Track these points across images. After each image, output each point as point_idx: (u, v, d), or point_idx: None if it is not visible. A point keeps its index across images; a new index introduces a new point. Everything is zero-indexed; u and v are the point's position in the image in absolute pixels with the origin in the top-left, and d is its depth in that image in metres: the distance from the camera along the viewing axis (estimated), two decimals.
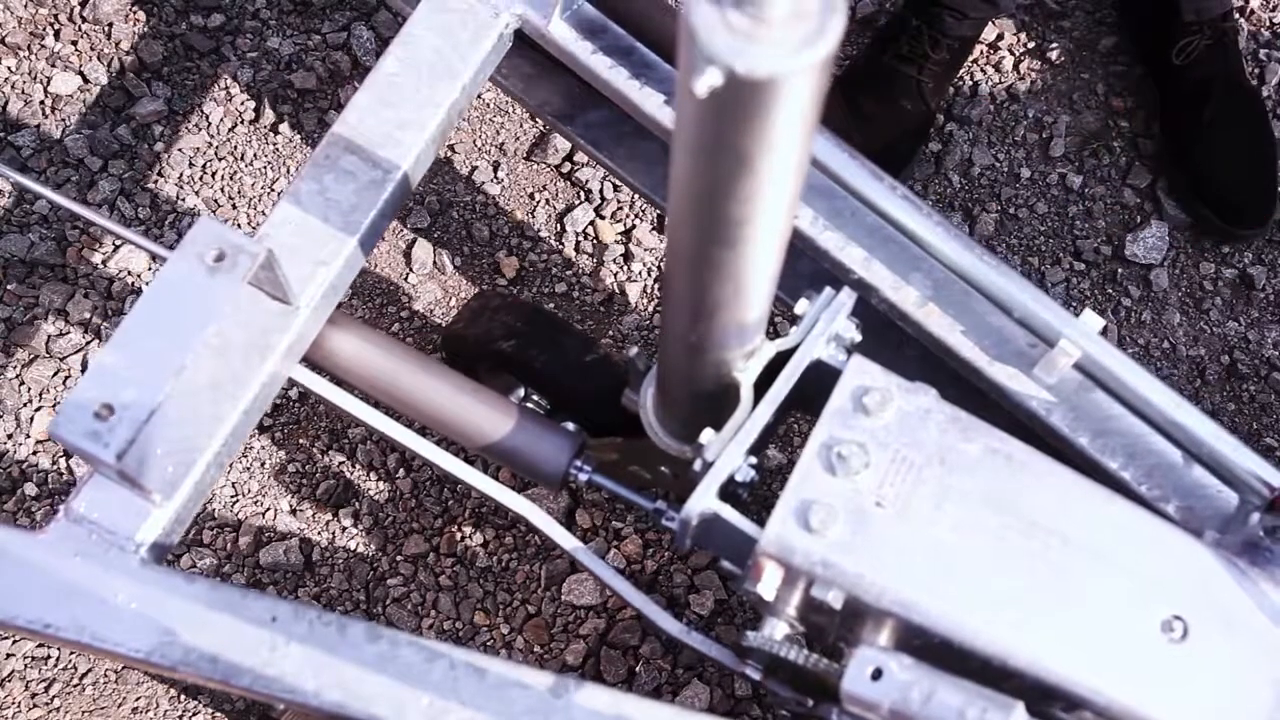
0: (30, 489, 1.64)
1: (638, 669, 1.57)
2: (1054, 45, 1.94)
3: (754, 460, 0.96)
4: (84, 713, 1.55)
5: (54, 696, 1.55)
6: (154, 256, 1.34)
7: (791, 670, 0.99)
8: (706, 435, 0.96)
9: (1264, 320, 1.79)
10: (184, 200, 1.79)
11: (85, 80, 1.84)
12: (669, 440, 1.12)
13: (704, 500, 0.93)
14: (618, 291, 1.77)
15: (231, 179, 1.80)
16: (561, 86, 1.33)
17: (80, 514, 1.01)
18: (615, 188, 1.82)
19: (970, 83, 1.91)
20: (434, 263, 1.78)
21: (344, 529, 1.64)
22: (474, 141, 1.85)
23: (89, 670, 1.57)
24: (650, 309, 1.76)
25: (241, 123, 1.84)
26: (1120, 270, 1.81)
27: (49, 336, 1.71)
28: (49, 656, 1.57)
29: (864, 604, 0.90)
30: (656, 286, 1.77)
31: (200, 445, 1.03)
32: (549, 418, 1.23)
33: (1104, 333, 1.08)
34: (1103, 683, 0.88)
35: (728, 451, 0.95)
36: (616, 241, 1.80)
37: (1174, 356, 1.77)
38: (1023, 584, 0.90)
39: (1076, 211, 1.84)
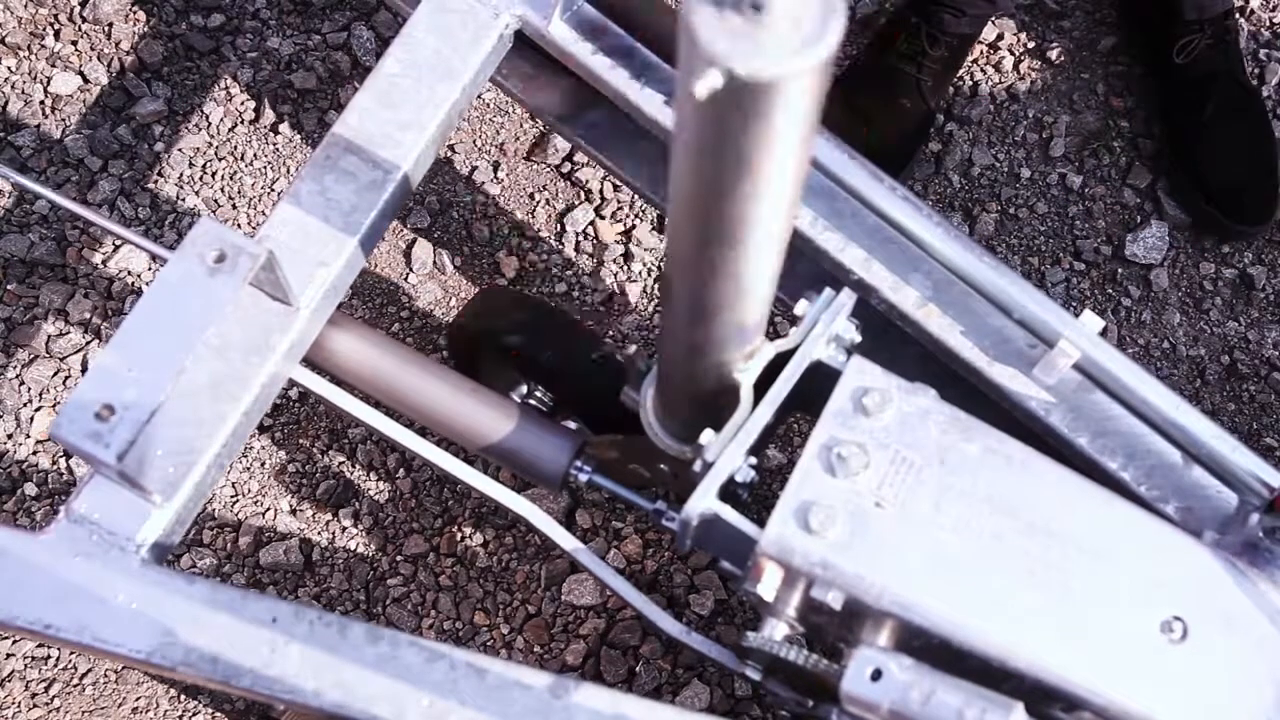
0: (30, 489, 1.64)
1: (638, 669, 1.57)
2: (1054, 45, 1.94)
3: (754, 461, 0.96)
4: (84, 713, 1.55)
5: (54, 696, 1.56)
6: (154, 257, 1.34)
7: (791, 671, 0.99)
8: (706, 436, 0.96)
9: (1264, 320, 1.80)
10: (184, 200, 1.79)
11: (85, 80, 1.84)
12: (669, 440, 1.12)
13: (704, 501, 0.93)
14: (618, 291, 1.77)
15: (231, 179, 1.80)
16: (561, 87, 1.32)
17: (81, 514, 1.01)
18: (615, 188, 1.82)
19: (970, 82, 1.91)
20: (434, 263, 1.78)
21: (344, 529, 1.64)
22: (474, 141, 1.85)
23: (89, 670, 1.57)
24: (650, 309, 1.76)
25: (241, 123, 1.84)
26: (1120, 270, 1.81)
27: (49, 336, 1.71)
28: (49, 656, 1.57)
29: (863, 604, 0.90)
30: (656, 286, 1.77)
31: (201, 446, 1.03)
32: (550, 418, 1.23)
33: (1104, 333, 1.09)
34: (1102, 683, 0.88)
35: (728, 452, 0.95)
36: (616, 241, 1.80)
37: (1174, 356, 1.77)
38: (1022, 585, 0.90)
39: (1076, 211, 1.84)
